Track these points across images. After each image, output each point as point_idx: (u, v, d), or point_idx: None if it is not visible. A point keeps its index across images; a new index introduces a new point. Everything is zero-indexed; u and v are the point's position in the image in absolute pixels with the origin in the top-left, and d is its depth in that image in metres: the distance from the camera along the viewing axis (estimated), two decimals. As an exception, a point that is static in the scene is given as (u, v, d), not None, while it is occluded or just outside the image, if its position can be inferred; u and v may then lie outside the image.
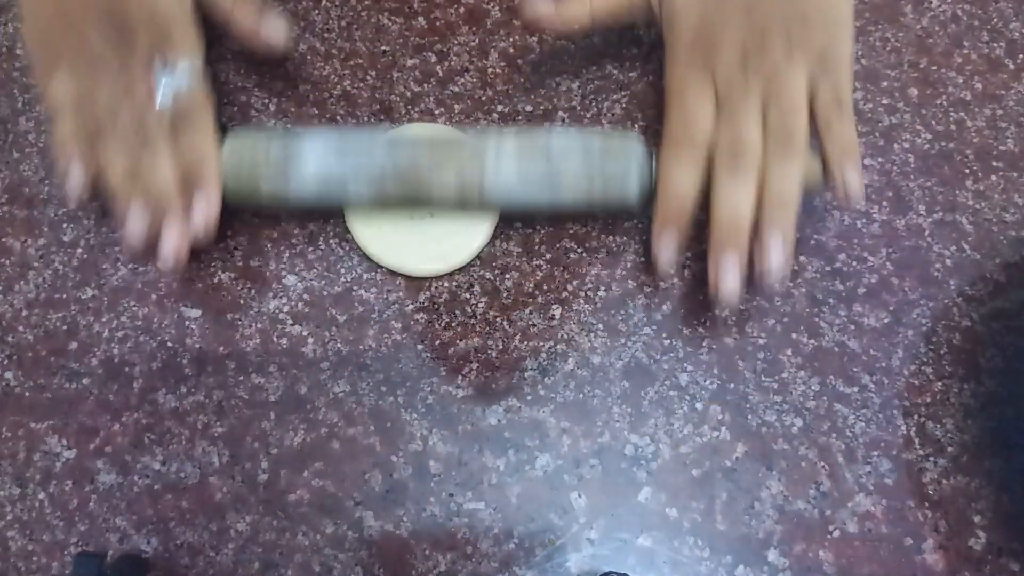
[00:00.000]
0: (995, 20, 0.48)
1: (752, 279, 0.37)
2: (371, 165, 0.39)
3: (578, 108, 0.45)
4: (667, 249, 0.38)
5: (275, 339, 0.40)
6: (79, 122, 0.38)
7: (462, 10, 0.48)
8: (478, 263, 0.41)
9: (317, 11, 0.48)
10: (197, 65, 0.39)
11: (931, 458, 0.38)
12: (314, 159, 0.39)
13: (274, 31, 0.41)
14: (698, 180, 0.37)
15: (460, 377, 0.39)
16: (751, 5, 0.38)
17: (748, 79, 0.38)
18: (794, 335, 0.40)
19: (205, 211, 0.38)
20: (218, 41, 0.47)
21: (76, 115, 0.38)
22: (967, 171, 0.44)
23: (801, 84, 0.37)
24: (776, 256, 0.36)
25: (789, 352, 0.40)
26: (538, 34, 0.47)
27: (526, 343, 0.40)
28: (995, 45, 0.47)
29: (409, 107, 0.45)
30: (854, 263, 0.42)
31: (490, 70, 0.46)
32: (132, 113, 0.38)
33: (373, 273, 0.41)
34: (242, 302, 0.41)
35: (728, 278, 0.36)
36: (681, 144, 0.38)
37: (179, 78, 0.38)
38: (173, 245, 0.37)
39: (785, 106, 0.37)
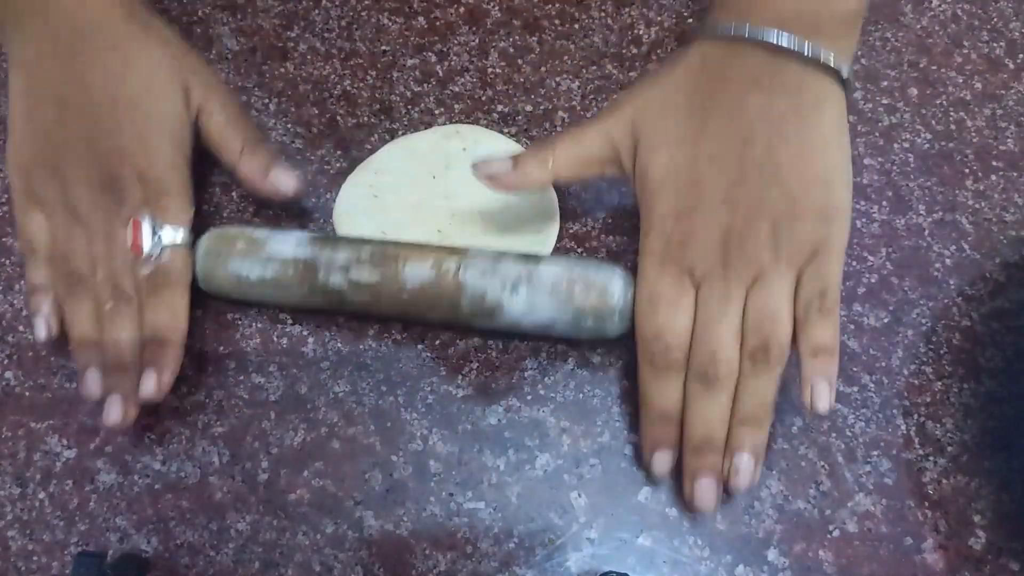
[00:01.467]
0: (995, 20, 0.48)
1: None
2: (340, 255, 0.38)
3: (578, 108, 0.46)
4: (662, 467, 0.36)
5: (275, 339, 0.40)
6: (52, 270, 0.38)
7: (462, 10, 0.48)
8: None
9: (317, 11, 0.48)
10: (186, 232, 0.39)
11: (931, 458, 0.38)
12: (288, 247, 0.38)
13: (282, 183, 0.40)
14: (678, 395, 0.35)
15: (460, 377, 0.39)
16: (732, 194, 0.35)
17: (728, 280, 0.34)
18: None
19: (154, 389, 0.36)
20: (218, 40, 0.47)
21: (50, 262, 0.38)
22: (967, 171, 0.44)
23: (786, 288, 0.34)
24: (745, 475, 0.34)
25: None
26: (538, 36, 0.47)
27: (526, 343, 0.40)
28: (995, 45, 0.47)
29: (409, 107, 0.45)
30: (854, 263, 0.42)
31: (490, 70, 0.46)
32: (109, 272, 0.37)
33: (373, 273, 0.41)
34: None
35: (706, 496, 0.35)
36: (657, 363, 0.35)
37: (166, 240, 0.38)
38: (117, 414, 0.36)
39: (766, 315, 0.34)
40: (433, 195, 0.42)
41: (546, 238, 0.42)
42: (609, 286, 0.36)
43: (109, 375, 0.37)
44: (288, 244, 0.38)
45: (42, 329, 0.38)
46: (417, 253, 0.38)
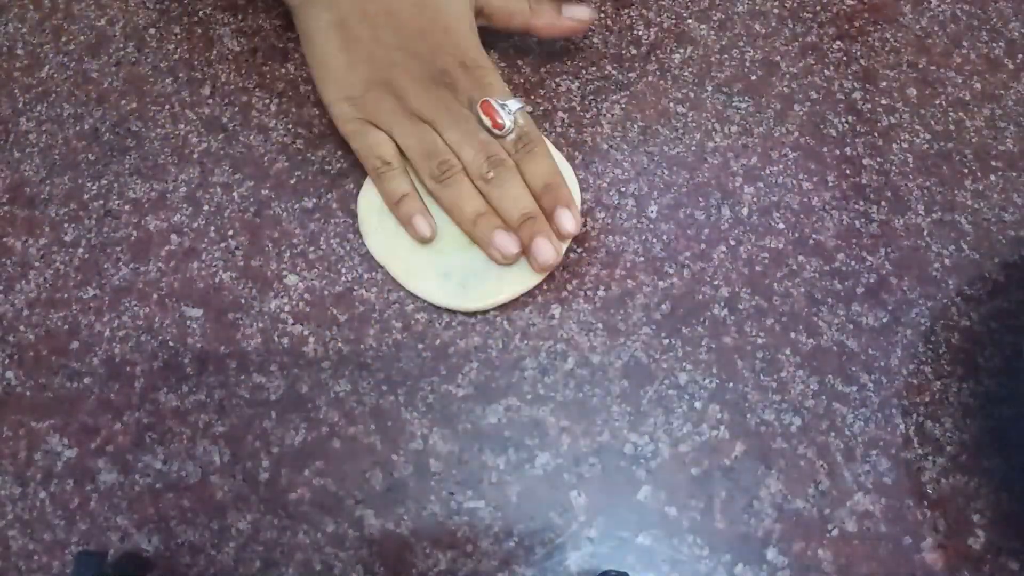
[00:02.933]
0: (994, 20, 0.48)
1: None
2: None
3: (578, 108, 0.46)
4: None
5: (276, 338, 0.40)
6: (410, 175, 0.41)
7: (462, 10, 0.48)
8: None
9: (317, 12, 0.48)
10: (517, 99, 0.41)
11: (930, 457, 0.38)
12: None
13: (578, 14, 0.44)
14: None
15: (460, 376, 0.39)
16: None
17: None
18: (793, 334, 0.40)
19: (573, 222, 0.40)
20: (219, 41, 0.48)
21: (406, 170, 0.41)
22: (966, 171, 0.44)
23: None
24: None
25: (788, 351, 0.40)
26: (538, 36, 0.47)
27: (526, 343, 0.40)
28: (994, 45, 0.47)
29: (409, 107, 0.45)
30: (853, 263, 0.42)
31: (490, 70, 0.46)
32: (475, 150, 0.40)
33: (374, 273, 0.42)
34: (243, 301, 0.41)
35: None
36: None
37: (514, 109, 0.41)
38: (550, 251, 0.39)
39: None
40: None
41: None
42: None
43: (522, 227, 0.40)
44: None
45: (425, 227, 0.40)
46: None
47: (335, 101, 0.42)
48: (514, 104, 0.41)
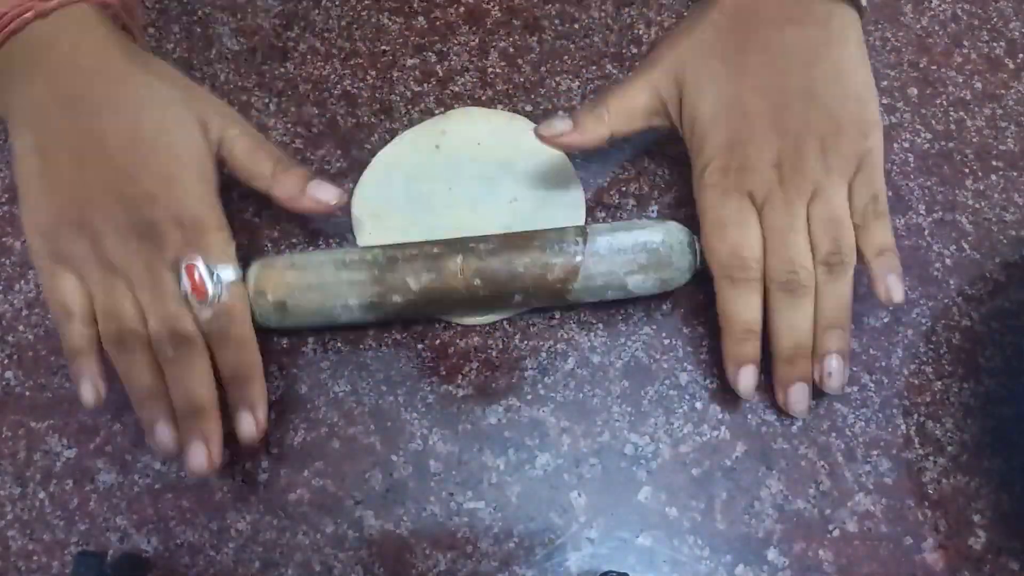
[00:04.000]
0: (995, 20, 0.48)
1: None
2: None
3: (578, 108, 0.45)
4: (747, 384, 0.37)
5: (275, 338, 0.40)
6: (94, 330, 0.36)
7: (462, 10, 0.48)
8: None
9: (317, 11, 0.48)
10: (236, 265, 0.37)
11: (931, 457, 0.38)
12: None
13: (323, 194, 0.38)
14: (759, 308, 0.37)
15: (460, 377, 0.39)
16: (780, 120, 0.37)
17: (789, 197, 0.37)
18: (794, 334, 0.40)
19: (254, 427, 0.36)
20: (218, 40, 0.47)
21: (89, 323, 0.36)
22: (967, 170, 0.44)
23: (843, 194, 0.37)
24: (837, 377, 0.37)
25: (789, 351, 0.40)
26: (538, 37, 0.47)
27: (526, 343, 0.40)
28: (995, 45, 0.47)
29: (409, 107, 0.45)
30: (854, 262, 0.42)
31: (490, 70, 0.46)
32: (161, 320, 0.35)
33: (373, 273, 0.41)
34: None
35: (800, 402, 0.37)
36: (736, 278, 0.37)
37: (225, 279, 0.36)
38: (202, 459, 0.35)
39: (831, 223, 0.36)
40: (451, 189, 0.43)
41: (577, 209, 0.42)
42: (681, 237, 0.38)
43: (186, 421, 0.35)
44: (335, 263, 0.37)
45: (90, 394, 0.35)
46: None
47: (28, 232, 0.36)
48: (228, 273, 0.36)
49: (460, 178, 0.43)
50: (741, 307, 0.37)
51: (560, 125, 0.39)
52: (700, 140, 0.38)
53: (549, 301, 0.39)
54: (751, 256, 0.37)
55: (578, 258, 0.37)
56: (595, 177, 0.44)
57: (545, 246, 0.37)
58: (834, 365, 0.36)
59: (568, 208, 0.42)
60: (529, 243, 0.38)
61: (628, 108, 0.40)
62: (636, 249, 0.37)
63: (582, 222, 0.42)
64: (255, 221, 0.43)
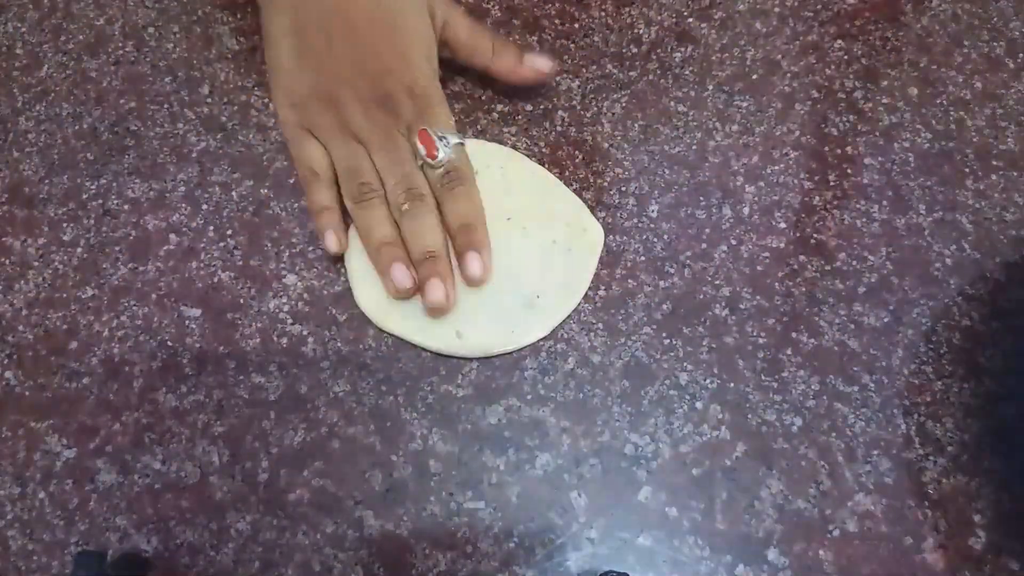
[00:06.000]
0: (995, 19, 0.48)
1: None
2: None
3: (578, 108, 0.45)
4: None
5: (275, 338, 0.40)
6: (336, 191, 0.41)
7: (462, 10, 0.48)
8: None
9: (317, 10, 0.48)
10: (458, 135, 0.41)
11: (931, 457, 0.38)
12: None
13: (538, 64, 0.43)
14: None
15: (460, 377, 0.39)
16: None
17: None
18: (794, 334, 0.40)
19: (480, 267, 0.39)
20: (218, 40, 0.47)
21: (332, 184, 0.41)
22: (967, 170, 0.44)
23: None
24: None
25: (789, 351, 0.40)
26: (538, 36, 0.47)
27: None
28: (995, 44, 0.47)
29: (409, 106, 0.45)
30: (854, 262, 0.42)
31: (490, 69, 0.46)
32: (399, 178, 0.40)
33: (373, 272, 0.41)
34: (242, 301, 0.41)
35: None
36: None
37: (449, 142, 0.40)
38: (440, 293, 0.39)
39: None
40: None
41: (578, 210, 0.43)
42: None
43: (422, 264, 0.39)
44: None
45: (333, 242, 0.40)
46: None
47: (280, 105, 0.42)
48: (453, 138, 0.41)
49: None
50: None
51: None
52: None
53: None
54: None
55: None
56: (595, 177, 0.44)
57: None
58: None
59: (567, 214, 0.42)
60: None
61: None
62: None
63: (583, 223, 0.42)
64: (254, 221, 0.43)
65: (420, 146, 0.40)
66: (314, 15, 0.41)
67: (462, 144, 0.41)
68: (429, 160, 0.40)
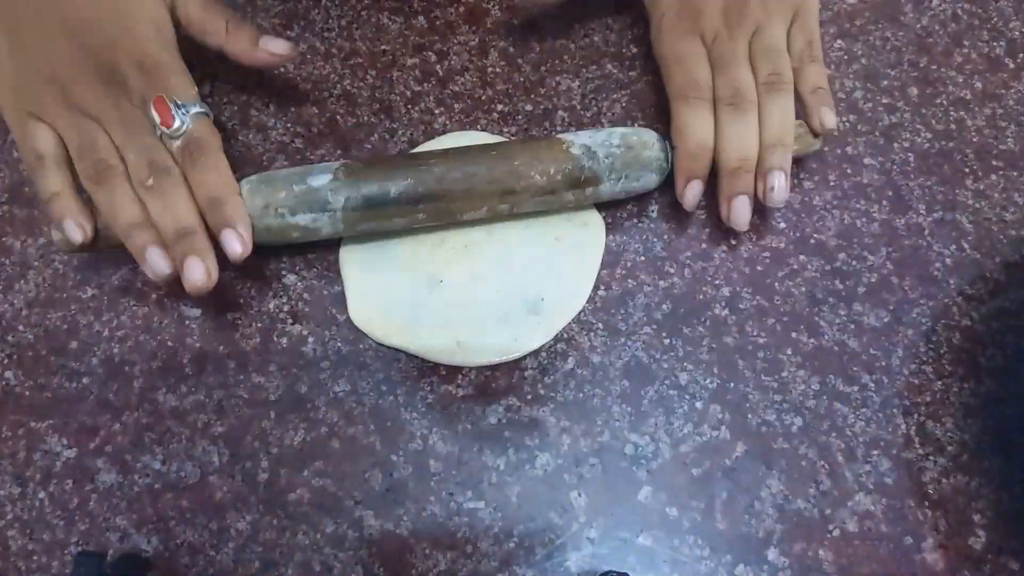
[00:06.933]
0: (995, 19, 0.48)
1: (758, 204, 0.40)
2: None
3: (578, 108, 0.45)
4: (694, 196, 0.40)
5: (275, 338, 0.40)
6: (70, 172, 0.38)
7: (462, 10, 0.48)
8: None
9: (317, 11, 0.48)
10: (199, 102, 0.39)
11: (931, 457, 0.38)
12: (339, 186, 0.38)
13: (274, 46, 0.41)
14: (711, 126, 0.40)
15: (460, 377, 0.39)
16: None
17: (734, 35, 0.41)
18: (794, 334, 0.40)
19: (239, 245, 0.36)
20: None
21: (63, 166, 0.38)
22: (967, 170, 0.44)
23: (781, 33, 0.42)
24: (780, 191, 0.39)
25: (789, 351, 0.40)
26: (538, 36, 0.47)
27: (526, 342, 0.40)
28: (995, 44, 0.47)
29: (409, 107, 0.45)
30: (854, 262, 0.42)
31: (490, 70, 0.46)
32: (138, 153, 0.37)
33: (373, 272, 0.41)
34: (242, 301, 0.41)
35: (742, 213, 0.40)
36: (690, 98, 0.40)
37: (188, 108, 0.38)
38: (200, 272, 0.36)
39: (770, 54, 0.41)
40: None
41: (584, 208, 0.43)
42: (651, 136, 0.41)
43: (176, 244, 0.36)
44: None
45: (77, 231, 0.37)
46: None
47: (1, 92, 0.39)
48: (194, 107, 0.38)
49: None
50: (695, 122, 0.40)
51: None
52: None
53: (542, 202, 0.40)
54: (702, 80, 0.41)
55: (561, 141, 0.39)
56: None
57: (534, 151, 0.39)
58: (777, 179, 0.39)
59: (572, 211, 0.42)
60: (521, 147, 0.40)
61: None
62: (615, 142, 0.40)
63: (584, 217, 0.42)
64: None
65: (155, 115, 0.37)
66: (31, 21, 0.38)
67: (206, 114, 0.38)
68: (166, 130, 0.37)
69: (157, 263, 0.36)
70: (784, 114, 0.40)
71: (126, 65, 0.38)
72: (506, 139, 0.43)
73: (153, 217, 0.37)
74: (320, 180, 0.38)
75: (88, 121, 0.37)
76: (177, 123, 0.37)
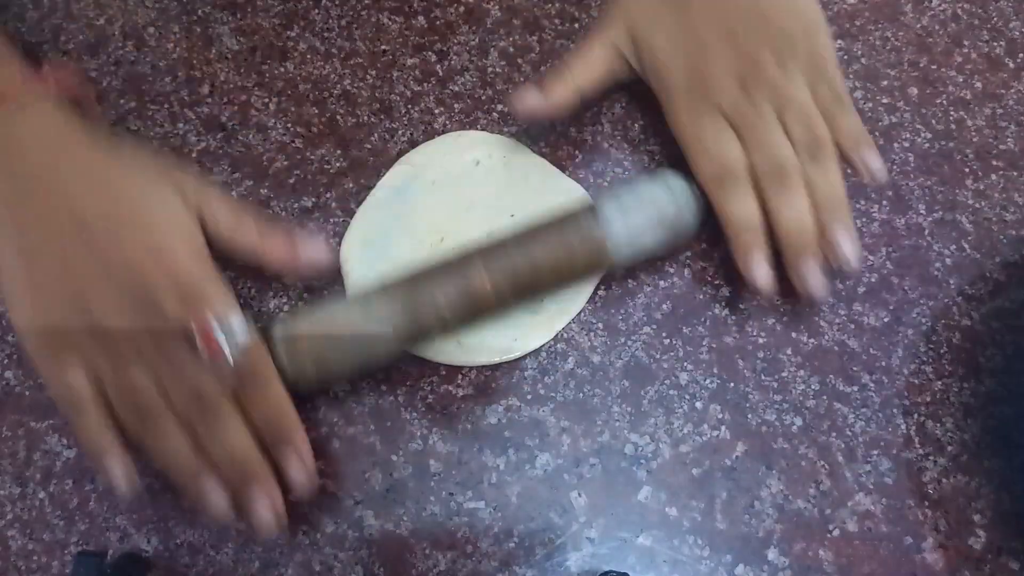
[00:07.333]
0: (995, 19, 0.48)
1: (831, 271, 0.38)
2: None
3: (578, 107, 0.45)
4: (762, 272, 0.37)
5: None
6: (110, 418, 0.34)
7: (462, 10, 0.48)
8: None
9: (317, 11, 0.48)
10: (243, 317, 0.35)
11: (931, 457, 0.38)
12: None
13: (314, 253, 0.38)
14: (755, 205, 0.38)
15: (460, 376, 0.39)
16: (731, 35, 0.39)
17: (755, 100, 0.38)
18: (794, 334, 0.40)
19: (302, 470, 0.34)
20: (218, 40, 0.47)
21: (100, 405, 0.34)
22: (967, 170, 0.44)
23: (804, 90, 0.38)
24: (849, 247, 0.37)
25: (789, 351, 0.40)
26: (538, 36, 0.47)
27: (526, 342, 0.40)
28: (995, 44, 0.47)
29: (409, 107, 0.45)
30: (854, 262, 0.42)
31: (490, 70, 0.46)
32: (185, 386, 0.33)
33: (373, 272, 0.41)
34: (242, 301, 0.41)
35: (815, 281, 0.37)
36: (724, 181, 0.38)
37: (240, 334, 0.34)
38: (267, 512, 0.34)
39: (800, 114, 0.38)
40: (451, 212, 0.42)
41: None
42: (683, 184, 0.39)
43: (244, 488, 0.34)
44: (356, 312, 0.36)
45: (125, 485, 0.33)
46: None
47: (22, 333, 0.34)
48: (239, 330, 0.34)
49: (450, 202, 0.42)
50: (737, 204, 0.38)
51: (532, 97, 0.41)
52: (662, 74, 0.40)
53: (578, 284, 0.40)
54: (734, 157, 0.38)
55: (596, 233, 0.37)
56: (595, 177, 0.44)
57: (563, 229, 0.37)
58: (844, 242, 0.37)
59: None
60: (546, 232, 0.37)
61: (589, 64, 0.42)
62: (646, 207, 0.38)
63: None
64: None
65: (201, 347, 0.33)
66: (38, 222, 0.35)
67: (252, 336, 0.34)
68: (213, 359, 0.33)
69: (220, 510, 0.34)
70: (834, 176, 0.37)
71: (159, 288, 0.34)
72: (538, 228, 0.38)
73: (211, 454, 0.34)
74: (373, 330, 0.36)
75: (124, 357, 0.33)
76: (227, 351, 0.33)
